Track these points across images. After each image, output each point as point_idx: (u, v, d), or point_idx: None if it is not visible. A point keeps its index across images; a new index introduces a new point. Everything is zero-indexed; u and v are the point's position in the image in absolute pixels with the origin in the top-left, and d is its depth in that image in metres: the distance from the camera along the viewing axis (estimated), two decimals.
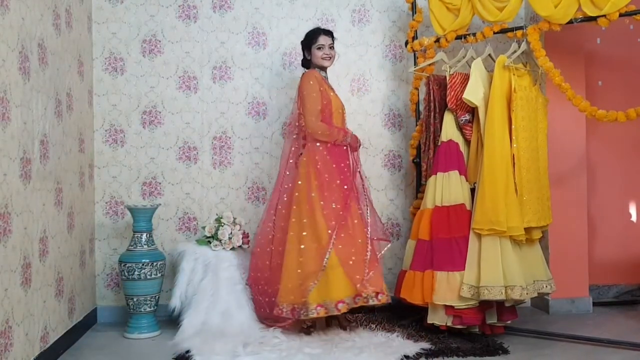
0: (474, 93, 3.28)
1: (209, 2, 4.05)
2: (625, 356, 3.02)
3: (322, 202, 3.33)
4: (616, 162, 4.33)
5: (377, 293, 3.23)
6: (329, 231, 3.26)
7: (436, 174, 3.41)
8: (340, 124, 3.55)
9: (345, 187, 3.42)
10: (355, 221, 3.39)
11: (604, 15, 3.09)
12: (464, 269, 3.19)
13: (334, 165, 3.45)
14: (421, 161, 3.79)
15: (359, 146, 3.63)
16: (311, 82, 3.45)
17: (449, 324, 3.21)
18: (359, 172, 3.57)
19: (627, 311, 3.96)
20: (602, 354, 3.06)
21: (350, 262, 3.24)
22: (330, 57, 3.57)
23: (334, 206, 3.35)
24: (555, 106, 3.69)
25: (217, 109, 4.04)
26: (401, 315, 3.65)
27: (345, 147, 3.52)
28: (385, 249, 3.61)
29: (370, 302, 3.23)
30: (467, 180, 3.38)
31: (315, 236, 3.26)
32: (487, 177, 3.20)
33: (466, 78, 3.41)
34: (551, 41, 3.78)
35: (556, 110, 3.75)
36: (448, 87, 3.42)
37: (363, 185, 3.55)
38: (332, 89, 3.59)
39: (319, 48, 3.53)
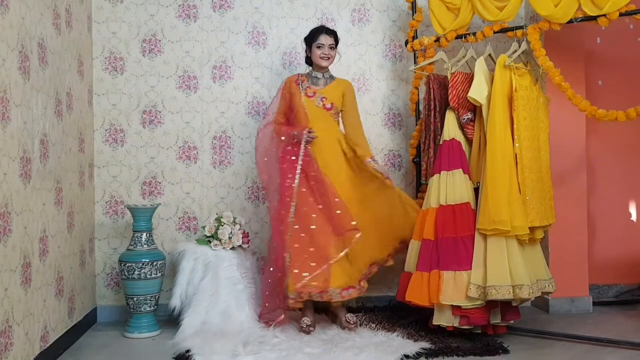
0: (478, 92, 3.27)
1: (209, 2, 4.04)
2: (625, 356, 3.02)
3: (277, 205, 3.47)
4: (616, 162, 4.33)
5: (322, 291, 3.30)
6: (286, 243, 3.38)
7: (439, 173, 3.37)
8: (305, 123, 3.53)
9: (287, 184, 3.46)
10: (314, 215, 3.43)
11: (604, 15, 3.09)
12: (470, 269, 3.16)
13: (278, 165, 3.52)
14: (421, 160, 3.79)
15: (308, 139, 3.50)
16: (280, 87, 3.66)
17: (456, 324, 3.17)
18: (312, 165, 3.49)
19: (627, 311, 3.96)
20: (602, 353, 3.06)
21: (296, 263, 3.33)
22: (329, 58, 3.57)
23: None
24: (555, 106, 3.68)
25: (217, 109, 4.05)
26: (401, 314, 3.65)
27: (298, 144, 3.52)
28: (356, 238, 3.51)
29: (315, 299, 3.33)
30: (470, 180, 3.37)
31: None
32: (490, 177, 3.19)
33: (467, 77, 3.42)
34: (551, 41, 3.78)
35: (556, 109, 3.75)
36: (450, 85, 3.41)
37: (320, 178, 3.47)
38: (310, 85, 3.59)
39: (318, 47, 3.55)
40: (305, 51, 3.65)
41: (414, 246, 3.44)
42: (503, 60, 3.28)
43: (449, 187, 3.33)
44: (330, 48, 3.56)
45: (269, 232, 3.75)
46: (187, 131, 4.01)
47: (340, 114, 3.68)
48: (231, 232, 3.64)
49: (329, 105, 3.58)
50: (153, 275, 3.51)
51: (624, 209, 4.37)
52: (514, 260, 3.15)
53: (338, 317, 3.46)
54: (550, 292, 3.45)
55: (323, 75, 3.65)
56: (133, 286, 3.48)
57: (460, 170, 3.34)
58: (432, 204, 3.38)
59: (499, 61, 3.29)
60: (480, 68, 3.32)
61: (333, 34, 3.59)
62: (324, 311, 3.68)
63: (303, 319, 3.40)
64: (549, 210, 3.44)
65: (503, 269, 3.11)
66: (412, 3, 3.91)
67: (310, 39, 3.58)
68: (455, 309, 3.16)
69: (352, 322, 3.43)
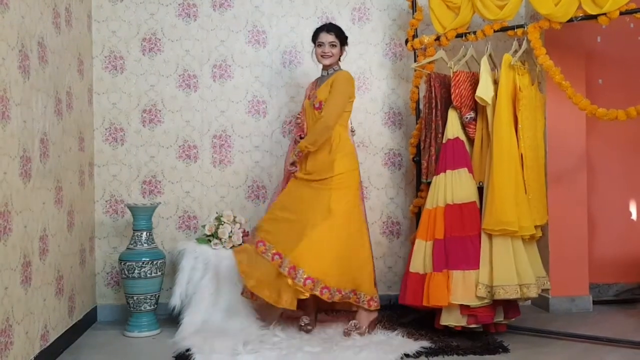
0: (485, 91, 3.27)
1: (209, 1, 4.04)
2: (625, 354, 3.03)
3: None
4: (616, 161, 4.33)
5: None
6: None
7: (445, 172, 3.36)
8: (303, 126, 3.57)
9: None
10: None
11: (605, 14, 3.09)
12: (478, 268, 3.16)
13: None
14: (421, 159, 3.78)
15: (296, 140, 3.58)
16: None
17: (464, 324, 3.16)
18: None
19: (626, 309, 3.96)
20: (601, 352, 3.06)
21: None
22: (330, 56, 3.47)
23: None
24: (555, 105, 3.68)
25: (217, 108, 4.04)
26: (401, 313, 3.65)
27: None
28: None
29: None
30: (473, 179, 3.37)
31: None
32: (496, 177, 3.18)
33: (468, 76, 3.42)
34: (551, 39, 3.78)
35: (556, 108, 3.75)
36: (452, 84, 3.40)
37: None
38: (314, 87, 3.56)
39: (318, 45, 3.49)
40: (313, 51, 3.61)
41: (420, 246, 3.35)
42: (508, 60, 3.28)
43: (455, 186, 3.32)
44: (332, 46, 3.45)
45: None
46: (187, 130, 4.01)
47: None
48: (231, 231, 3.64)
49: (317, 105, 3.45)
50: (153, 274, 3.51)
51: (624, 208, 4.37)
52: (521, 260, 3.15)
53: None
54: (548, 289, 3.45)
55: (328, 73, 3.54)
56: (133, 285, 3.48)
57: (466, 169, 3.34)
58: (439, 202, 3.35)
59: (505, 61, 3.28)
60: (485, 68, 3.32)
61: (334, 30, 3.47)
62: (325, 311, 3.67)
63: (302, 317, 3.40)
64: (544, 208, 3.48)
65: (510, 268, 3.11)
66: (412, 2, 3.90)
67: (313, 39, 3.54)
68: (464, 308, 3.15)
69: (349, 328, 3.31)
